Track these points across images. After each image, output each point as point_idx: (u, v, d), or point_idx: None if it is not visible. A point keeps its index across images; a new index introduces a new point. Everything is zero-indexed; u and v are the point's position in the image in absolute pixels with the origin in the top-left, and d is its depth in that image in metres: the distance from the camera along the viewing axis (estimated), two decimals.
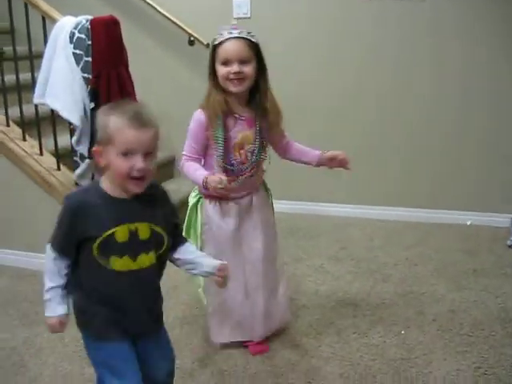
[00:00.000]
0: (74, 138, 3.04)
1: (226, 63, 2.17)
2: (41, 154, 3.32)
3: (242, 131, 2.28)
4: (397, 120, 3.93)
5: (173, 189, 4.13)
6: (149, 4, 4.17)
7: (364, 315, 2.72)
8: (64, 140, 3.30)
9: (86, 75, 2.93)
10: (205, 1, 4.16)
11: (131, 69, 3.05)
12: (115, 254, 1.62)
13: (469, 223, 3.88)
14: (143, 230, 1.65)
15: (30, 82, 3.24)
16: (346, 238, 3.72)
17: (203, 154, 2.31)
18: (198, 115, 2.26)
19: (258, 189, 2.44)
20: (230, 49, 2.17)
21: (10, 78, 3.37)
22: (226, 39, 2.17)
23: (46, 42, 3.08)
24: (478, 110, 3.77)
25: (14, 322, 2.77)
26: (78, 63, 2.95)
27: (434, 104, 3.81)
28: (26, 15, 3.17)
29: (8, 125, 3.40)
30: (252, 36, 2.21)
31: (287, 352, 2.43)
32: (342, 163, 2.44)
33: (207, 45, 4.11)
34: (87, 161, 3.05)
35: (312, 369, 2.31)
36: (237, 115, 2.27)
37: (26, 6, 3.16)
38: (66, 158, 3.30)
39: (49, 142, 3.32)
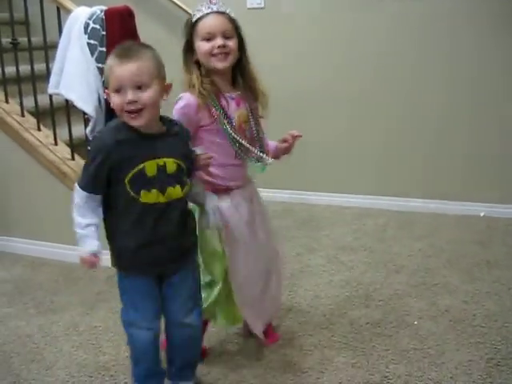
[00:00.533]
0: (89, 128, 3.06)
1: (208, 39, 2.04)
2: (55, 143, 3.35)
3: (236, 110, 2.13)
4: (412, 113, 3.91)
5: None
6: None
7: (377, 306, 2.72)
8: (78, 130, 3.32)
9: (100, 65, 2.94)
10: None
11: None
12: (145, 187, 1.74)
13: (482, 214, 3.86)
14: (170, 165, 1.77)
15: (45, 72, 3.26)
16: (359, 228, 3.72)
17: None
18: (188, 98, 2.06)
19: (250, 179, 2.32)
20: (213, 23, 2.04)
21: (24, 69, 3.40)
22: (207, 14, 2.06)
23: (60, 32, 3.10)
24: (495, 100, 3.75)
25: (30, 310, 2.80)
26: (92, 53, 2.96)
27: (451, 97, 3.79)
28: (41, 6, 3.19)
29: (23, 115, 3.43)
30: (231, 13, 2.11)
31: (300, 341, 2.44)
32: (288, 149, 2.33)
33: None
34: None
35: (325, 358, 2.32)
36: (227, 94, 2.12)
37: None
38: (80, 147, 3.33)
39: (63, 132, 3.34)
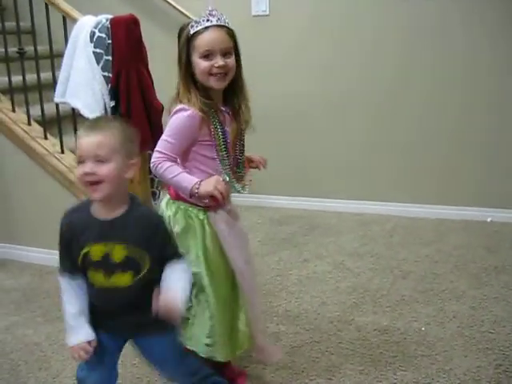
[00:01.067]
0: None
1: (207, 55, 1.90)
2: (62, 152, 3.36)
3: (230, 125, 2.03)
4: (421, 121, 3.91)
5: None
6: (167, 2, 4.19)
7: (384, 312, 2.71)
8: None
9: (106, 74, 2.96)
10: None
11: (151, 67, 3.07)
12: (92, 270, 1.66)
13: (489, 220, 3.85)
14: (118, 252, 1.64)
15: (51, 81, 3.27)
16: (366, 234, 3.72)
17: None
18: (191, 112, 1.91)
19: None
20: (212, 39, 1.90)
21: (31, 78, 3.41)
22: (205, 28, 1.90)
23: (66, 41, 3.11)
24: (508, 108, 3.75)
25: (37, 318, 2.81)
26: (98, 62, 2.97)
27: (464, 104, 3.78)
28: (47, 15, 3.21)
29: (29, 123, 3.44)
30: (227, 22, 1.96)
31: (307, 348, 2.44)
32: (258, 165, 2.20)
33: None
34: None
35: (332, 365, 2.31)
36: (222, 109, 2.01)
37: (46, 5, 3.19)
38: None
39: (70, 141, 3.35)
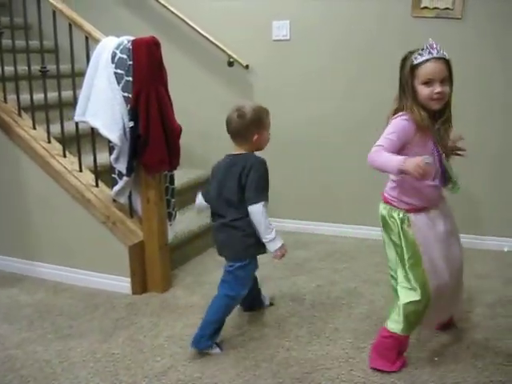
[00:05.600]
0: (113, 156, 3.10)
1: (427, 83, 2.24)
2: (80, 170, 3.39)
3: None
4: None
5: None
6: (189, 25, 4.24)
7: None
8: (103, 157, 3.36)
9: (126, 94, 2.99)
10: (245, 22, 4.21)
11: (170, 89, 3.10)
12: None
13: (506, 250, 3.82)
14: None
15: (72, 99, 3.31)
16: (382, 261, 3.68)
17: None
18: (409, 118, 2.29)
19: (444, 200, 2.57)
20: (433, 70, 2.24)
21: (52, 96, 3.46)
22: (427, 60, 2.24)
23: (88, 61, 3.15)
24: None
25: (49, 335, 2.81)
26: (118, 82, 3.01)
27: (476, 127, 3.76)
28: (70, 35, 3.26)
29: (49, 141, 3.48)
30: (445, 54, 2.27)
31: (318, 375, 2.41)
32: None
33: (246, 66, 4.18)
34: (125, 178, 3.10)
35: None
36: (435, 125, 2.34)
37: (70, 26, 3.24)
38: (104, 174, 3.36)
39: (88, 159, 3.38)
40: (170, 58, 3.22)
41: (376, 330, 2.76)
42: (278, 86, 4.19)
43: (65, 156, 3.44)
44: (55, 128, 3.47)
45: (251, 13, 4.21)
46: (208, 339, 2.59)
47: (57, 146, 3.48)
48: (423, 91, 2.26)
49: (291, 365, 2.49)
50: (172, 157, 3.10)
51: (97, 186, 3.34)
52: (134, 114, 2.97)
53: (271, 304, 3.10)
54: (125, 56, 2.99)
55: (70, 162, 3.42)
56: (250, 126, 2.58)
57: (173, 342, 2.71)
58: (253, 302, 3.00)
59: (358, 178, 4.08)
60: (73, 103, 3.27)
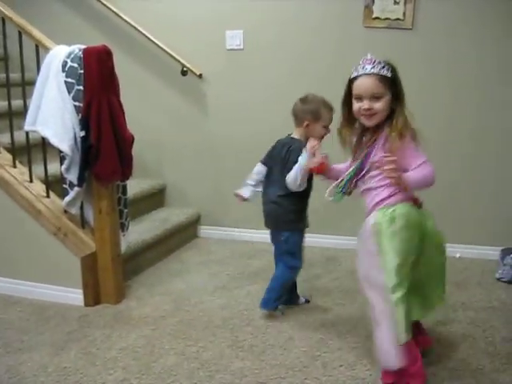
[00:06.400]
0: (64, 166, 3.06)
1: (358, 98, 2.27)
2: (31, 180, 3.32)
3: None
4: None
5: (162, 217, 4.17)
6: (143, 34, 4.22)
7: (352, 348, 2.70)
8: (54, 167, 3.31)
9: (77, 104, 2.96)
10: (198, 32, 4.21)
11: (123, 98, 3.08)
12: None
13: (458, 256, 3.88)
14: None
15: (22, 108, 3.25)
16: (335, 269, 3.72)
17: None
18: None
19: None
20: (362, 86, 2.25)
21: (2, 105, 3.39)
22: (359, 75, 2.25)
23: (38, 69, 3.11)
24: (484, 146, 3.82)
25: None
26: (69, 91, 2.97)
27: (447, 127, 3.81)
28: (20, 43, 3.20)
29: None
30: (387, 68, 2.24)
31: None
32: None
33: (199, 75, 4.16)
34: (76, 189, 3.06)
35: None
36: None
37: (19, 33, 3.19)
38: (55, 185, 3.31)
39: (39, 169, 3.32)
40: (123, 66, 3.19)
41: (329, 338, 2.78)
42: (231, 96, 4.19)
43: (15, 166, 3.37)
44: (5, 138, 3.41)
45: (205, 22, 4.21)
46: (274, 301, 2.99)
47: (7, 156, 3.41)
48: (354, 106, 2.30)
49: (245, 374, 2.48)
50: (124, 166, 3.06)
51: (48, 196, 3.28)
52: (85, 124, 2.93)
53: (307, 301, 3.21)
54: (76, 65, 2.96)
55: (21, 172, 3.35)
56: (305, 113, 2.85)
57: (126, 354, 2.67)
58: (290, 296, 3.16)
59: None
60: (23, 112, 3.20)
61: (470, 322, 2.94)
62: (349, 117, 2.38)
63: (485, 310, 3.09)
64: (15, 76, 3.44)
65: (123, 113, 3.05)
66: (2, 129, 3.42)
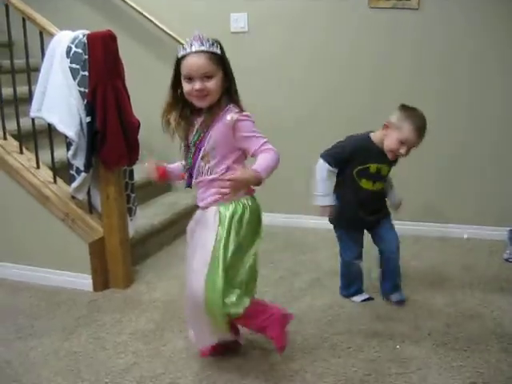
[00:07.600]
0: (70, 152, 3.06)
1: (189, 78, 2.13)
2: (37, 167, 3.33)
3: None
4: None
5: (170, 201, 4.17)
6: (147, 18, 4.20)
7: (359, 330, 2.71)
8: (60, 153, 3.31)
9: (82, 89, 2.95)
10: (202, 15, 4.18)
11: (128, 82, 3.07)
12: (365, 178, 2.82)
13: (465, 237, 3.88)
14: (384, 169, 2.85)
15: (28, 95, 3.25)
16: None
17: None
18: None
19: None
20: (192, 65, 2.10)
21: (7, 92, 3.39)
22: (188, 53, 2.11)
23: (43, 55, 3.10)
24: (486, 122, 3.81)
25: (10, 335, 2.76)
26: (74, 77, 2.97)
27: (439, 117, 3.80)
28: (24, 29, 3.19)
29: (5, 138, 3.41)
30: (216, 45, 2.14)
31: (281, 367, 2.42)
32: None
33: None
34: (83, 174, 3.06)
35: None
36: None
37: (23, 20, 3.18)
38: (62, 171, 3.31)
39: (45, 156, 3.33)
40: (128, 51, 3.17)
41: (338, 319, 2.79)
42: (236, 78, 4.16)
43: (21, 153, 3.38)
44: (11, 124, 3.41)
45: (209, 5, 4.19)
46: (343, 290, 3.09)
47: (13, 143, 3.42)
48: (185, 87, 2.16)
49: (254, 357, 2.50)
50: (131, 151, 3.06)
51: (55, 182, 3.29)
52: (90, 109, 2.93)
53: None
54: (80, 50, 2.95)
55: (27, 158, 3.36)
56: (390, 120, 2.78)
57: (136, 339, 2.68)
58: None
59: (312, 166, 4.09)
60: (28, 99, 3.20)
61: (479, 303, 2.94)
62: (176, 100, 2.25)
63: (493, 290, 3.09)
64: (20, 62, 3.43)
65: (129, 98, 3.05)
66: (8, 115, 3.41)
